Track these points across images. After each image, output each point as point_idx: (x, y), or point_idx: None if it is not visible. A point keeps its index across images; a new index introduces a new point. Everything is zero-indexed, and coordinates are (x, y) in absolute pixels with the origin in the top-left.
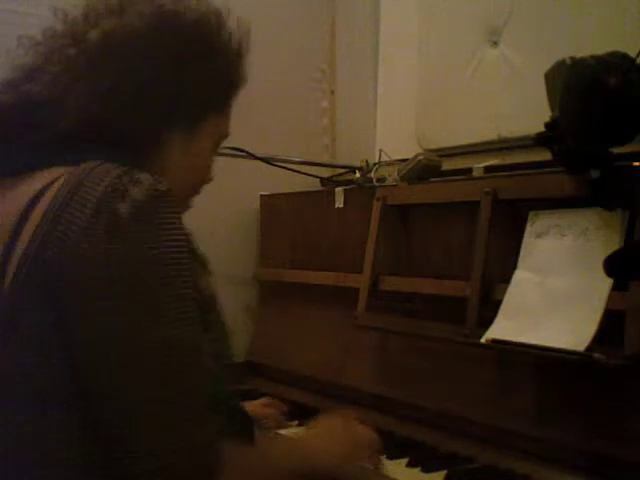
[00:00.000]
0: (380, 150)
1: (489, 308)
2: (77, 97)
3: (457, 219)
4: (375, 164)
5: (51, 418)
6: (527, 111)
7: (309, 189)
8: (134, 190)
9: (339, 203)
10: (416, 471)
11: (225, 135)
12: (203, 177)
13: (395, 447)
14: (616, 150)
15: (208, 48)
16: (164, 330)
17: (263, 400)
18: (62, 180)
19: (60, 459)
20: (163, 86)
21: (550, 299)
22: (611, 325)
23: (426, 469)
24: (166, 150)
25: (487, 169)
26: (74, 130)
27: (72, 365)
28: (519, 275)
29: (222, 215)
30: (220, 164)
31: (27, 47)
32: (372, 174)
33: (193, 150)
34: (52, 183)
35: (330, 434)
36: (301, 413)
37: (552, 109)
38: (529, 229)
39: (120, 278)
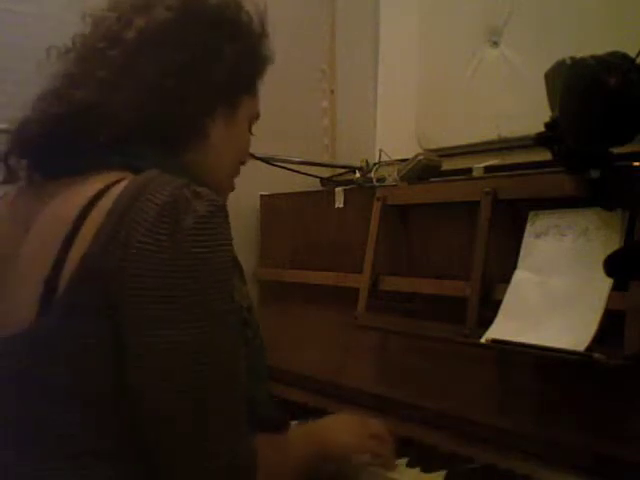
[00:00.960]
0: (380, 150)
1: (489, 308)
2: (124, 97)
3: (457, 219)
4: (375, 164)
5: (97, 415)
6: (527, 111)
7: (309, 189)
8: (196, 203)
9: (339, 203)
10: (416, 471)
11: (257, 115)
12: (242, 159)
13: (395, 447)
14: (616, 150)
15: (233, 31)
16: (220, 338)
17: None
18: (122, 185)
19: (97, 454)
20: (199, 73)
21: (550, 299)
22: (611, 325)
23: (426, 469)
24: (210, 137)
25: (487, 169)
26: (124, 130)
27: (121, 366)
28: (519, 275)
29: None
30: None
31: (58, 56)
32: (372, 174)
33: (233, 134)
34: (109, 187)
35: (342, 425)
36: (301, 413)
37: (552, 109)
38: (529, 229)
39: (182, 285)
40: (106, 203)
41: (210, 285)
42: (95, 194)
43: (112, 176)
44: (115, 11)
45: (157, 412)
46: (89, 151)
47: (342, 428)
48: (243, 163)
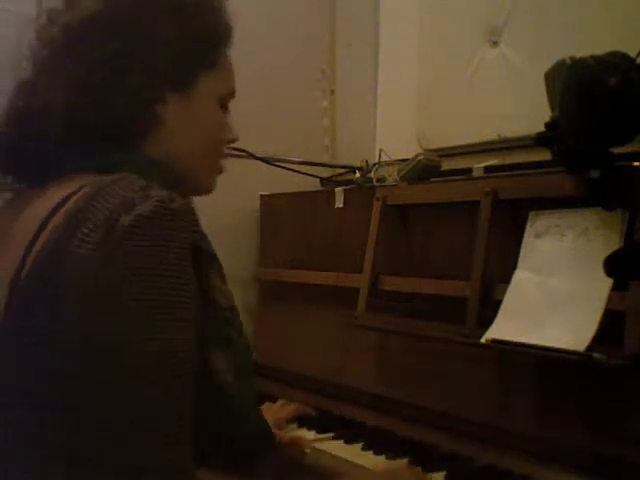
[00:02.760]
0: (380, 150)
1: (489, 308)
2: (62, 97)
3: (457, 219)
4: (375, 164)
5: (43, 420)
6: (527, 111)
7: (309, 189)
8: (141, 204)
9: (339, 203)
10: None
11: (229, 91)
12: (220, 137)
13: (395, 447)
14: (616, 150)
15: (171, 7)
16: (147, 344)
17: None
18: (81, 192)
19: (49, 460)
20: (136, 60)
21: (550, 299)
22: (611, 325)
23: (426, 469)
24: (166, 123)
25: (487, 169)
26: (71, 131)
27: (64, 372)
28: (519, 275)
29: (222, 215)
30: None
31: (24, 62)
32: (372, 174)
33: (194, 115)
34: (75, 192)
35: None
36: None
37: (552, 109)
38: (529, 229)
39: (109, 287)
40: (67, 209)
41: (144, 284)
42: (59, 201)
43: (82, 180)
44: (49, 11)
45: (79, 409)
46: (58, 156)
47: None
48: (228, 141)
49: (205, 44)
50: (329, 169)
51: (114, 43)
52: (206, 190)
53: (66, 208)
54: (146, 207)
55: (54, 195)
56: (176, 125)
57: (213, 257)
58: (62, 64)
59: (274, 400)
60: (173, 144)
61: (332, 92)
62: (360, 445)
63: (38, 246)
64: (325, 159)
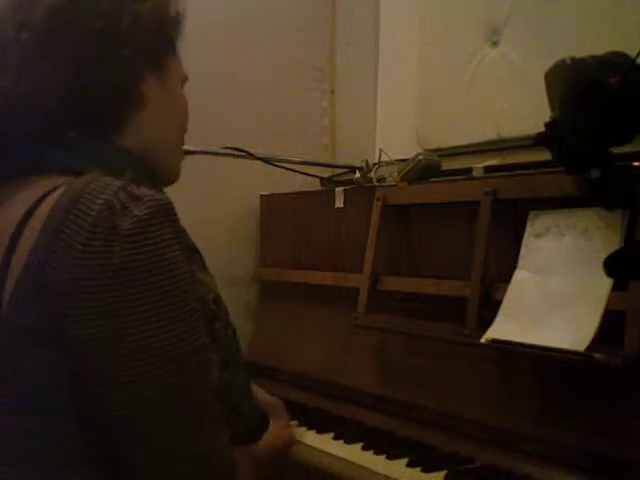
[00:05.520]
0: (380, 150)
1: (489, 308)
2: (44, 80)
3: (457, 219)
4: (375, 164)
5: (50, 424)
6: (527, 111)
7: (309, 189)
8: (134, 206)
9: (339, 203)
10: (416, 471)
11: (185, 77)
12: (185, 123)
13: (395, 447)
14: (616, 150)
15: None
16: (169, 337)
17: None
18: (58, 194)
19: (60, 462)
20: (119, 38)
21: (550, 299)
22: (611, 325)
23: (426, 469)
24: (147, 103)
25: (487, 169)
26: (53, 121)
27: (74, 373)
28: (519, 275)
29: (222, 215)
30: (220, 164)
31: None
32: (372, 174)
33: (170, 98)
34: (45, 196)
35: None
36: (301, 413)
37: (552, 109)
38: (529, 229)
39: (121, 287)
40: (42, 214)
41: (152, 282)
42: (32, 204)
43: (51, 181)
44: None
45: (121, 417)
46: (26, 150)
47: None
48: (185, 131)
49: (173, 28)
50: (329, 169)
51: (98, 21)
52: (175, 178)
53: (43, 218)
54: (141, 209)
55: (24, 197)
56: (156, 107)
57: (193, 249)
58: (49, 45)
59: None
60: (153, 127)
61: (332, 92)
62: (360, 445)
63: (20, 260)
64: (325, 159)
